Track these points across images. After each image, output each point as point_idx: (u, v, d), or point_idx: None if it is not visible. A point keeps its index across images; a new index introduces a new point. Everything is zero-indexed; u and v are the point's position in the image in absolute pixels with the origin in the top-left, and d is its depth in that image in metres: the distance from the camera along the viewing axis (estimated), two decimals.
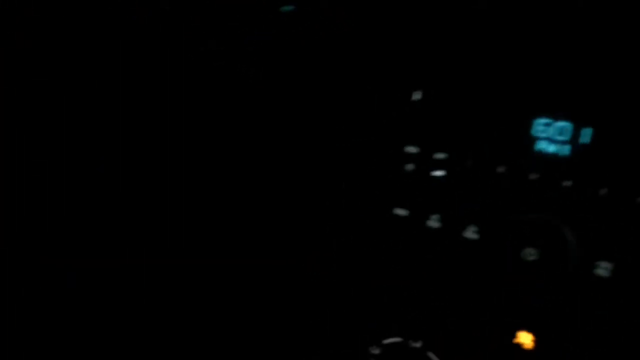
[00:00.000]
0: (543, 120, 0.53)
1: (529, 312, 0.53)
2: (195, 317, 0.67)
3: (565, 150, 0.52)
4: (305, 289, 0.64)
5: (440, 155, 0.57)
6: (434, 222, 0.58)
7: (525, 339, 0.53)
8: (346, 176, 0.62)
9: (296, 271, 0.64)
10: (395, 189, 0.60)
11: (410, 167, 0.59)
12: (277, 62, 0.64)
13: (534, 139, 0.54)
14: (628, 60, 0.50)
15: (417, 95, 0.59)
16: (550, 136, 0.53)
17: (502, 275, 0.53)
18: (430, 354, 0.57)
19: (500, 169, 0.54)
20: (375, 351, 0.60)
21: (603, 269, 0.49)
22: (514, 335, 0.54)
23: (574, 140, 0.52)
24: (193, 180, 0.67)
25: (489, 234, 0.54)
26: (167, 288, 0.67)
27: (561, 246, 0.51)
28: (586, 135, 0.52)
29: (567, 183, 0.52)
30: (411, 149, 0.59)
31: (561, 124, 0.53)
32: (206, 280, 0.67)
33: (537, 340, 0.52)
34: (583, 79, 0.52)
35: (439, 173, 0.58)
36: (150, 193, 0.69)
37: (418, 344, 0.58)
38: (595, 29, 0.52)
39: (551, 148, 0.53)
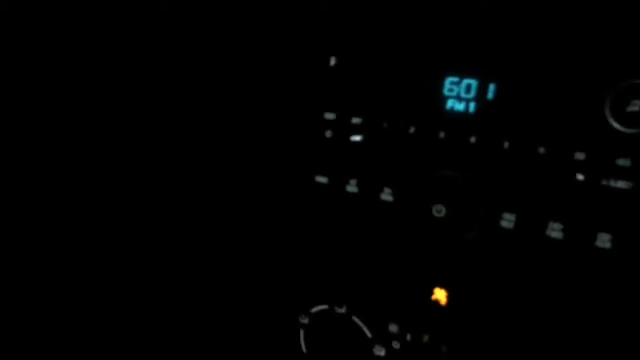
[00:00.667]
0: (452, 79, 0.54)
1: (442, 269, 0.53)
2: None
3: (471, 107, 0.53)
4: (232, 261, 0.64)
5: (356, 120, 0.58)
6: (352, 187, 0.58)
7: (440, 295, 0.53)
8: (267, 145, 0.62)
9: (223, 242, 0.64)
10: (315, 156, 0.60)
11: (329, 133, 0.59)
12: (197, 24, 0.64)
13: (444, 98, 0.54)
14: (530, 17, 0.51)
15: (332, 61, 0.59)
16: (459, 94, 0.53)
17: (415, 233, 0.54)
18: (355, 318, 0.58)
19: (412, 130, 0.55)
20: (304, 320, 0.60)
21: (507, 221, 0.50)
22: (431, 293, 0.54)
23: (480, 97, 0.52)
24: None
25: (402, 195, 0.55)
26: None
27: (468, 202, 0.52)
28: (491, 91, 0.52)
29: (473, 139, 0.52)
30: (329, 115, 0.59)
31: (467, 81, 0.53)
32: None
33: (450, 296, 0.52)
34: (488, 37, 0.52)
35: (356, 138, 0.58)
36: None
37: (343, 310, 0.58)
38: None
39: (459, 106, 0.53)
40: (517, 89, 0.50)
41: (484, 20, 0.53)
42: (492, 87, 0.52)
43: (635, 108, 0.45)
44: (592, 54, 0.47)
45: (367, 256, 0.58)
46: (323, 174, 0.59)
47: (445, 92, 0.54)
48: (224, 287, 0.65)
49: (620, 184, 0.47)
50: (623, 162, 0.46)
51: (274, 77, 0.61)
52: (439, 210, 0.53)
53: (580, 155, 0.48)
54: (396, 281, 0.56)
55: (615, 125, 0.46)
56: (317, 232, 0.60)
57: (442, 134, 0.53)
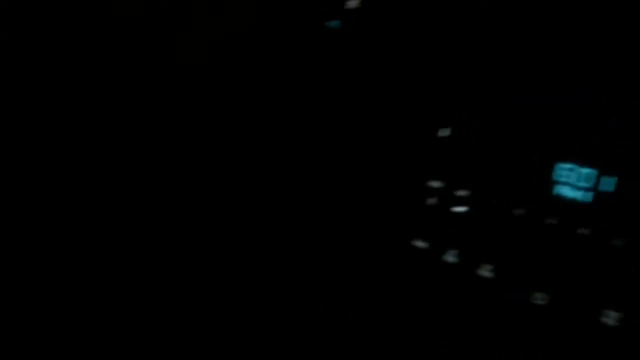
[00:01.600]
0: (566, 165, 0.54)
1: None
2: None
3: (588, 196, 0.52)
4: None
5: (462, 193, 0.59)
6: (451, 257, 0.59)
7: None
8: (370, 204, 0.65)
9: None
10: (416, 221, 0.62)
11: (432, 200, 0.61)
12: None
13: (554, 183, 0.54)
14: None
15: (445, 132, 0.61)
16: (572, 182, 0.53)
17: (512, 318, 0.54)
18: None
19: (519, 211, 0.55)
20: None
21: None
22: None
23: (595, 187, 0.52)
24: None
25: (502, 274, 0.55)
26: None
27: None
28: (607, 183, 0.51)
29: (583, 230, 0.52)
30: (435, 184, 0.61)
31: (584, 170, 0.53)
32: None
33: None
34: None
35: (460, 209, 0.59)
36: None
37: None
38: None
39: (571, 193, 0.53)
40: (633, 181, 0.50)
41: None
42: (610, 180, 0.51)
43: None
44: None
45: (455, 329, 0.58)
46: (422, 239, 0.61)
47: (557, 177, 0.54)
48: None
49: None
50: None
51: (386, 140, 0.64)
52: (541, 297, 0.52)
53: None
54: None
55: None
56: (409, 297, 0.61)
57: (550, 220, 0.53)
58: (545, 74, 0.56)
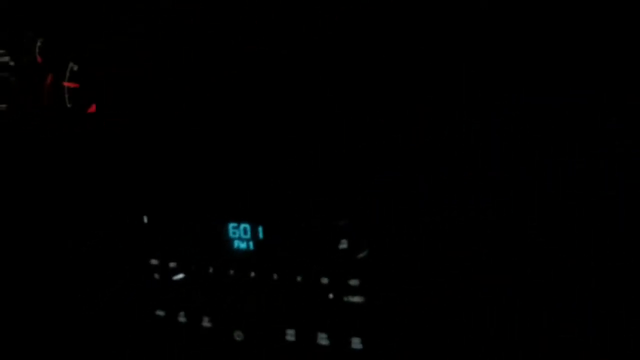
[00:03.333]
0: (233, 224, 0.66)
1: None
2: None
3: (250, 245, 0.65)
4: None
5: (172, 264, 0.70)
6: (181, 318, 0.71)
7: None
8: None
9: None
10: (152, 293, 0.73)
11: (157, 275, 0.72)
12: None
13: (230, 240, 0.67)
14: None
15: (145, 219, 0.72)
16: (240, 236, 0.66)
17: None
18: None
19: (210, 269, 0.68)
20: None
21: (290, 335, 0.63)
22: None
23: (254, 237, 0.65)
24: None
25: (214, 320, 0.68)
26: None
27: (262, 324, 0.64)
28: (260, 232, 0.65)
29: (253, 273, 0.65)
30: (154, 261, 0.72)
31: (243, 225, 0.66)
32: None
33: None
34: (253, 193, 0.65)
35: (177, 277, 0.71)
36: None
37: None
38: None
39: (242, 245, 0.66)
40: (278, 231, 0.63)
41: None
42: (260, 229, 0.64)
43: (344, 246, 0.58)
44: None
45: None
46: (161, 308, 0.72)
47: (230, 235, 0.66)
48: None
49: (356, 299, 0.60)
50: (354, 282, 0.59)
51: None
52: (238, 335, 0.66)
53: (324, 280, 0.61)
54: None
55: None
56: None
57: (231, 271, 0.66)
58: None
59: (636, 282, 0.51)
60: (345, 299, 0.60)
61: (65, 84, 0.81)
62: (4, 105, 0.88)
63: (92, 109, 0.78)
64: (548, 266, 0.54)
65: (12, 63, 0.88)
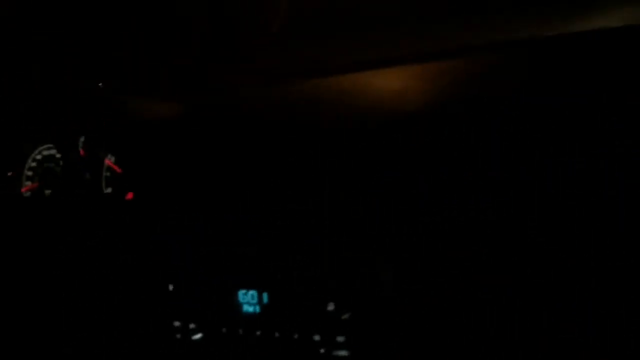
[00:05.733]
0: (242, 291, 0.82)
1: None
2: None
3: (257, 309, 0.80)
4: None
5: (192, 325, 0.85)
6: None
7: None
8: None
9: None
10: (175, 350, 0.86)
11: (178, 335, 0.86)
12: None
13: (240, 305, 0.82)
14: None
15: (170, 287, 0.87)
16: (248, 301, 0.81)
17: None
18: None
19: (223, 329, 0.82)
20: None
21: None
22: None
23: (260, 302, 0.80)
24: None
25: None
26: None
27: None
28: (265, 297, 0.80)
29: (259, 332, 0.79)
30: (177, 323, 0.86)
31: (251, 292, 0.81)
32: None
33: None
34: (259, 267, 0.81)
35: (196, 336, 0.85)
36: None
37: None
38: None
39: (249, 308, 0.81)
40: (279, 296, 0.78)
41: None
42: (265, 295, 0.80)
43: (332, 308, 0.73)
44: None
45: None
46: None
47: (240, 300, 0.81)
48: None
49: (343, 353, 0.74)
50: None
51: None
52: None
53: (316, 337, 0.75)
54: None
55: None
56: None
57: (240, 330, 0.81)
58: None
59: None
60: (334, 353, 0.74)
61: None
62: (49, 191, 1.06)
63: (129, 195, 0.95)
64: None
65: (58, 155, 1.07)
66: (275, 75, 0.87)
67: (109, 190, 0.98)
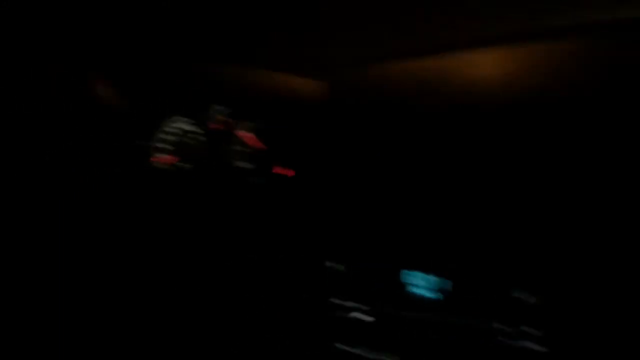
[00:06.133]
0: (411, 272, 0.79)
1: None
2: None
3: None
4: None
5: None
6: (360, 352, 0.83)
7: None
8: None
9: None
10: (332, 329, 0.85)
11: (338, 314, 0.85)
12: None
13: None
14: None
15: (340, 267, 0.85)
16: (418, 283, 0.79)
17: None
18: None
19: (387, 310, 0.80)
20: None
21: None
22: None
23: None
24: None
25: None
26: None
27: None
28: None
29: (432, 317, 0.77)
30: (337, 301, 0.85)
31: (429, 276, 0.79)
32: None
33: None
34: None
35: (359, 316, 0.83)
36: None
37: None
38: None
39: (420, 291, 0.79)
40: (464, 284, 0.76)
41: None
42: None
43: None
44: None
45: None
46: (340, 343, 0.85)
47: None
48: None
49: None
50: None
51: None
52: None
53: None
54: None
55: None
56: None
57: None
58: None
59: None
60: (519, 343, 0.71)
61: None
62: (189, 165, 1.06)
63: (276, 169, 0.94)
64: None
65: (200, 130, 1.06)
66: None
67: (251, 166, 0.97)
